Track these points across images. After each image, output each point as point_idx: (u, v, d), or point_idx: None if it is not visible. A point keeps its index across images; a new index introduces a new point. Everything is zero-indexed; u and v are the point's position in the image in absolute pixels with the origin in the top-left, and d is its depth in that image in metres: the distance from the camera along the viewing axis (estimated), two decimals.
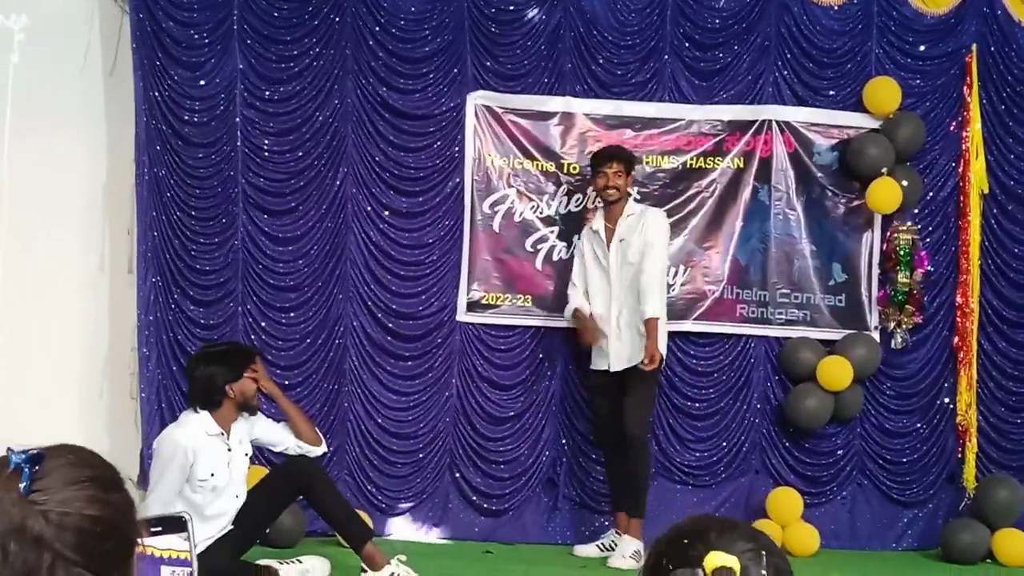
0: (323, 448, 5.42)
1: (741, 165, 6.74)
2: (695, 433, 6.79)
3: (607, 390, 6.19)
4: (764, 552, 1.38)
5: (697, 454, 6.78)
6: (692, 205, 6.73)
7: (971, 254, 6.87)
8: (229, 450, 5.08)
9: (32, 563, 1.31)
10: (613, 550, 6.13)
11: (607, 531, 6.38)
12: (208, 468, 5.00)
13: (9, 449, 1.37)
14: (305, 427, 5.35)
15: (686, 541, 1.39)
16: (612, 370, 6.14)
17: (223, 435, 5.09)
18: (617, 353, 6.15)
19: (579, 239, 6.44)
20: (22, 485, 1.34)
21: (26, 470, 1.34)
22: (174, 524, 1.53)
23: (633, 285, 6.12)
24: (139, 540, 1.42)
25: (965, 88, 6.87)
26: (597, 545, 6.24)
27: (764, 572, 1.35)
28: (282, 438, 5.34)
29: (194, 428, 5.04)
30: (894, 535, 6.92)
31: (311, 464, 5.30)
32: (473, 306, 6.63)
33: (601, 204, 6.39)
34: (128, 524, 1.41)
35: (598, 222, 6.30)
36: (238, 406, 5.11)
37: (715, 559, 1.33)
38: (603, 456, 6.49)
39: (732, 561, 1.33)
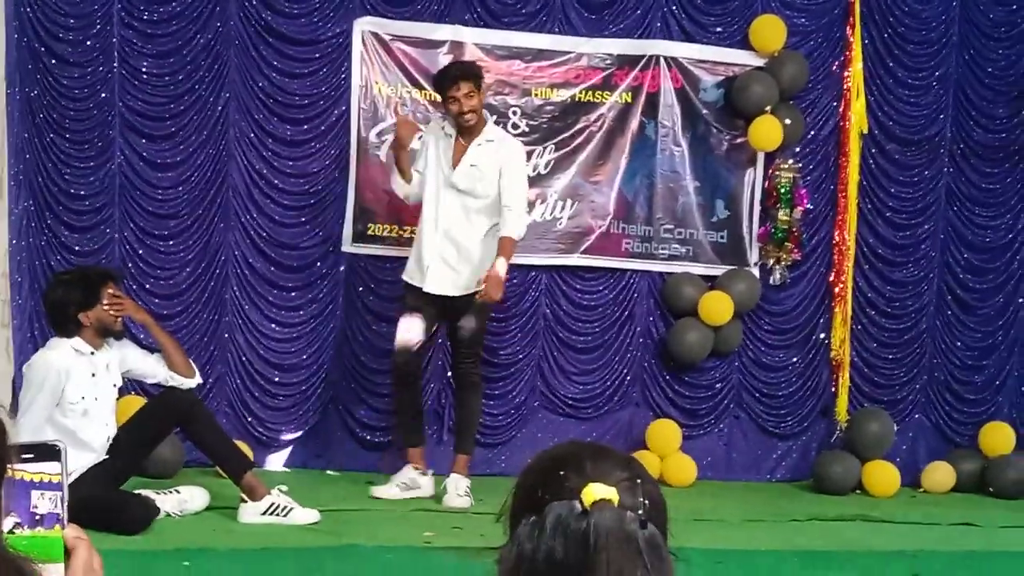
0: (196, 380, 5.37)
1: (629, 100, 6.75)
2: (579, 366, 6.85)
3: (420, 312, 5.84)
4: (639, 480, 1.38)
5: (580, 387, 6.85)
6: (580, 139, 6.73)
7: (849, 193, 7.00)
8: (93, 375, 5.00)
9: None
10: (415, 488, 5.84)
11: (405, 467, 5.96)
12: (79, 391, 4.97)
13: None
14: (178, 358, 5.29)
15: (561, 472, 1.37)
16: (427, 290, 5.80)
17: (93, 354, 5.00)
18: (439, 276, 5.80)
19: (425, 133, 5.97)
20: None
21: None
22: (47, 452, 1.48)
23: (471, 217, 5.79)
24: (9, 465, 1.37)
25: (848, 28, 6.96)
26: (397, 485, 5.84)
27: (641, 500, 1.34)
28: (154, 369, 5.29)
29: (65, 349, 4.98)
30: (768, 466, 7.10)
31: (188, 395, 5.26)
32: (359, 237, 6.55)
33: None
34: None
35: (451, 128, 5.85)
36: (97, 332, 5.03)
37: (594, 491, 1.31)
38: (398, 384, 6.00)
39: (610, 493, 1.31)
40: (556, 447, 1.46)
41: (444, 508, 5.69)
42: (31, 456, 1.47)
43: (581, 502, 1.32)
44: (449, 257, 5.81)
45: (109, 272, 5.31)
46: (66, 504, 1.47)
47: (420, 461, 5.96)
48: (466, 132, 5.81)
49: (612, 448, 1.45)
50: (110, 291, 5.09)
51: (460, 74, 5.82)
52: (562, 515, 1.32)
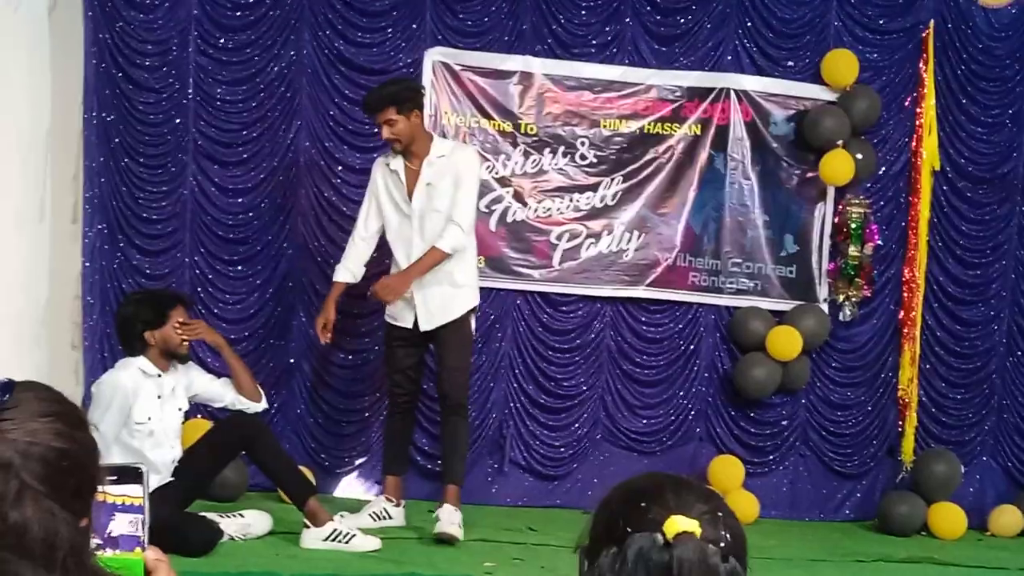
0: (263, 404, 5.42)
1: (698, 132, 6.73)
2: (642, 399, 6.81)
3: (408, 344, 5.68)
4: (721, 514, 1.37)
5: (644, 421, 6.81)
6: (648, 171, 6.71)
7: (920, 230, 6.92)
8: (159, 397, 5.06)
9: None
10: (388, 519, 5.70)
11: (378, 499, 5.89)
12: (145, 411, 5.05)
13: None
14: (246, 382, 5.34)
15: (643, 504, 1.36)
16: (422, 329, 5.59)
17: (159, 376, 5.07)
18: (427, 310, 5.59)
19: (370, 189, 5.70)
20: None
21: None
22: (130, 474, 1.51)
23: (442, 206, 5.52)
24: (98, 485, 1.40)
25: (921, 64, 6.89)
26: (370, 515, 5.70)
27: (723, 534, 1.33)
28: (221, 394, 5.35)
29: (133, 370, 5.05)
30: (832, 506, 7.00)
31: (254, 419, 5.30)
32: None
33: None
34: (92, 463, 1.40)
35: (396, 161, 5.57)
36: (162, 353, 5.10)
37: (677, 523, 1.30)
38: (398, 415, 5.84)
39: (693, 525, 1.30)
40: (636, 478, 1.46)
41: (437, 533, 5.42)
42: (115, 478, 1.50)
43: (663, 534, 1.31)
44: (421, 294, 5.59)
45: (181, 297, 5.39)
46: (147, 527, 1.49)
47: (395, 492, 5.80)
48: (412, 156, 5.54)
49: (693, 480, 1.44)
50: (180, 316, 5.16)
51: (372, 104, 5.53)
52: (644, 547, 1.31)
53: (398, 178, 5.58)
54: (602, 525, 1.39)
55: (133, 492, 1.53)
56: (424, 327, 5.59)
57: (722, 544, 1.32)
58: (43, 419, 1.37)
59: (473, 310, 5.73)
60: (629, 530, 1.33)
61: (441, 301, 5.57)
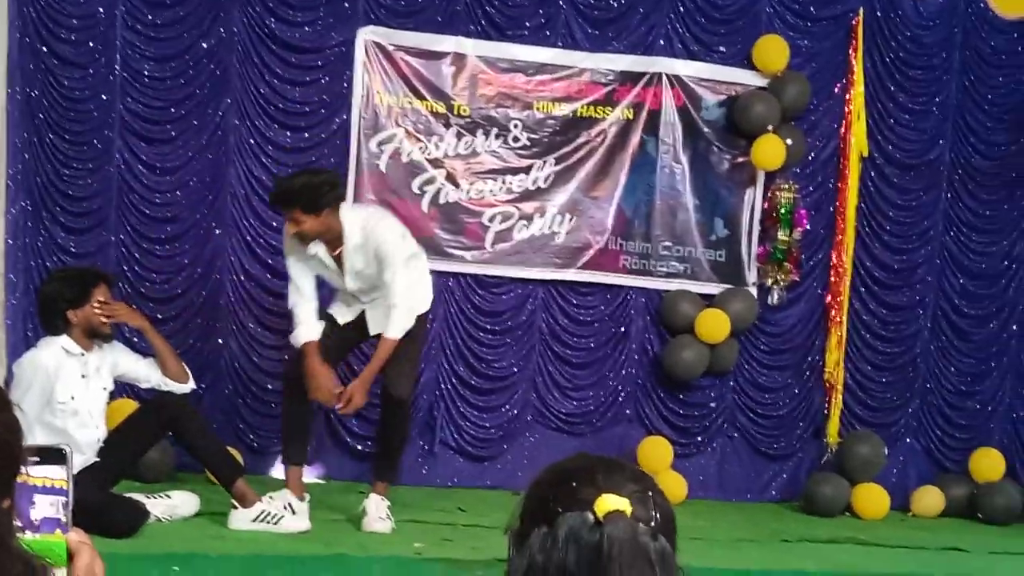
0: (190, 385, 5.36)
1: (630, 116, 6.75)
2: (573, 381, 6.84)
3: (339, 333, 5.48)
4: (651, 493, 1.37)
5: (574, 402, 6.84)
6: (581, 154, 6.73)
7: (847, 215, 7.02)
8: (84, 376, 4.99)
9: None
10: (291, 514, 5.23)
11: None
12: (68, 390, 4.98)
13: None
14: (172, 363, 5.28)
15: (574, 484, 1.36)
16: (371, 332, 5.44)
17: (83, 355, 4.99)
18: (373, 317, 5.44)
19: (288, 251, 5.39)
20: None
21: None
22: (54, 455, 1.47)
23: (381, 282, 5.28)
24: (21, 466, 1.37)
25: (851, 51, 6.97)
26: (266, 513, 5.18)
27: (654, 513, 1.33)
28: (147, 374, 5.28)
29: (55, 349, 4.98)
30: (759, 487, 7.09)
31: (179, 400, 5.25)
32: None
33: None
34: (14, 445, 1.35)
35: (315, 246, 5.28)
36: (85, 332, 5.03)
37: (607, 502, 1.30)
38: (289, 393, 5.44)
39: (623, 504, 1.31)
40: (566, 459, 1.46)
41: (364, 531, 5.30)
42: (37, 460, 1.46)
43: (594, 513, 1.31)
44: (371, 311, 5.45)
45: (104, 275, 5.30)
46: (71, 509, 1.46)
47: (299, 486, 5.42)
48: (327, 244, 5.28)
49: (623, 460, 1.45)
50: (102, 295, 5.08)
51: (277, 200, 5.32)
52: (575, 526, 1.31)
53: (321, 261, 5.33)
54: (532, 505, 1.38)
55: (56, 474, 1.50)
56: (373, 331, 5.43)
57: (652, 523, 1.32)
58: None
59: (426, 313, 5.50)
60: (560, 510, 1.33)
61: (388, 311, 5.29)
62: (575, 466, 1.40)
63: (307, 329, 5.34)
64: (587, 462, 1.41)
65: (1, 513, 1.31)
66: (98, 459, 5.05)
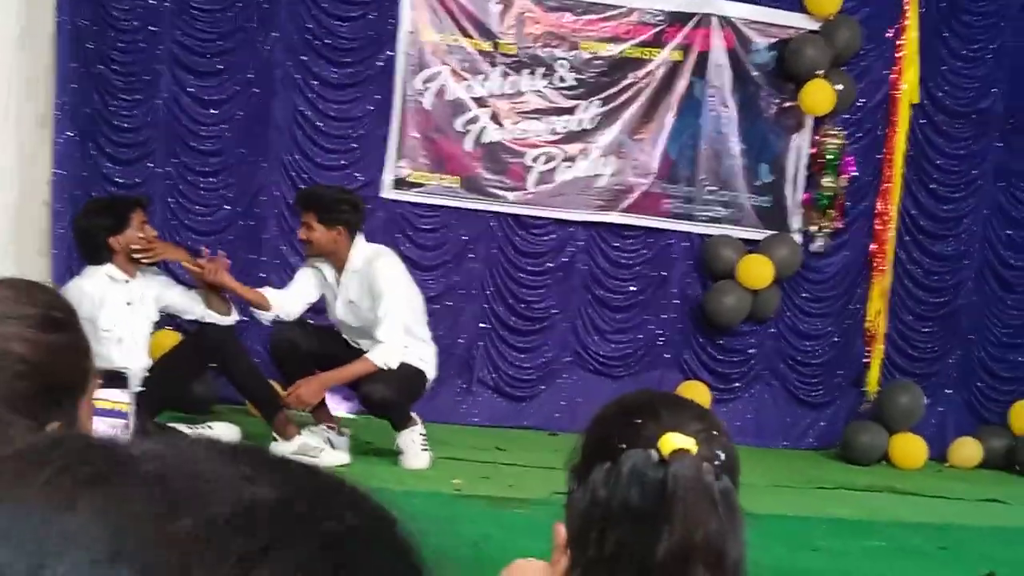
0: (233, 317, 5.38)
1: (679, 58, 6.68)
2: (613, 324, 6.84)
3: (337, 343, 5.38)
4: (716, 432, 1.36)
5: (613, 345, 6.84)
6: (627, 95, 6.66)
7: (895, 163, 6.93)
8: (129, 303, 5.02)
9: None
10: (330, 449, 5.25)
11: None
12: (112, 318, 5.00)
13: None
14: (215, 296, 5.29)
15: (638, 421, 1.35)
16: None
17: (127, 282, 5.04)
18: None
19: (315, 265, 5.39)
20: None
21: None
22: (115, 379, 1.47)
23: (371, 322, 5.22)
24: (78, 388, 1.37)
25: None
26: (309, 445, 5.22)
27: (718, 452, 1.32)
28: (191, 306, 5.31)
29: (99, 277, 5.01)
30: (797, 434, 7.08)
31: (224, 332, 5.27)
32: (399, 184, 6.53)
33: None
34: (59, 367, 1.35)
35: (327, 268, 5.34)
36: (128, 258, 5.05)
37: (673, 440, 1.30)
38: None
39: (689, 443, 1.30)
40: (630, 394, 1.45)
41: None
42: (101, 383, 1.47)
43: (659, 451, 1.30)
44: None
45: (138, 199, 5.33)
46: (131, 432, 1.47)
47: (331, 416, 5.43)
48: (332, 265, 5.31)
49: (688, 399, 1.44)
50: (140, 219, 5.11)
51: (299, 199, 5.43)
52: (639, 463, 1.30)
53: (326, 280, 5.35)
54: (595, 441, 1.38)
55: (119, 397, 1.50)
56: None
57: (716, 463, 1.32)
58: (6, 322, 1.33)
59: (421, 374, 5.31)
60: (623, 446, 1.32)
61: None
62: (639, 403, 1.40)
63: (271, 291, 5.38)
64: (651, 399, 1.41)
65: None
66: (142, 388, 5.09)
